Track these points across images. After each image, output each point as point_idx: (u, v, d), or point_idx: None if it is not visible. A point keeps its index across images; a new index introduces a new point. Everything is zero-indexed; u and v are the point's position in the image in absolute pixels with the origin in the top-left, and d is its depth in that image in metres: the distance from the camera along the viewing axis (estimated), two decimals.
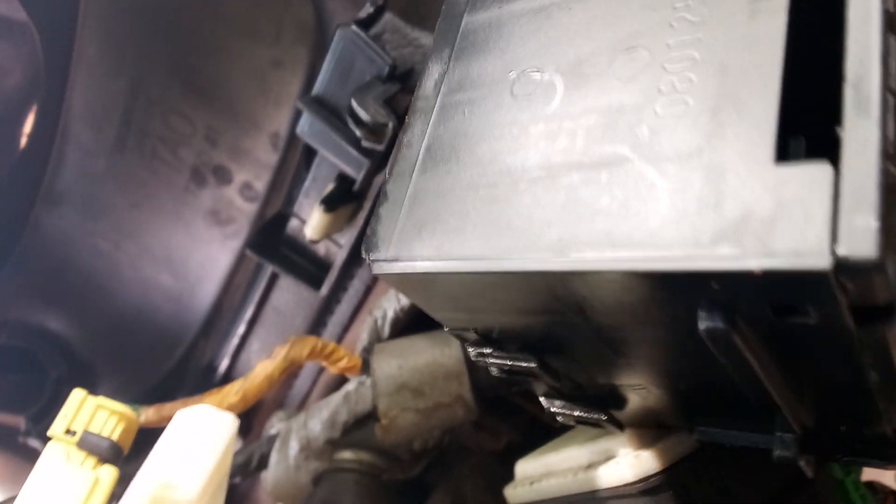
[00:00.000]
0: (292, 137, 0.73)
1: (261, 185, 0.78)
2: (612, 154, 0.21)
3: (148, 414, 0.42)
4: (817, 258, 0.16)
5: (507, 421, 0.63)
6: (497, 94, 0.25)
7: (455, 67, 0.27)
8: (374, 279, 0.59)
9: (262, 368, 0.43)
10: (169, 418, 0.43)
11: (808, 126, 0.19)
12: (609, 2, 0.24)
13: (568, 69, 0.23)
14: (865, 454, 0.26)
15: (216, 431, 0.30)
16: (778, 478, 0.35)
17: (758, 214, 0.17)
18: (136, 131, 0.79)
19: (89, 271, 0.87)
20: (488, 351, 0.27)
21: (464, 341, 0.28)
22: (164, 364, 0.86)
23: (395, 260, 0.24)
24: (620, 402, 0.30)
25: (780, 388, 0.23)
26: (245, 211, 0.80)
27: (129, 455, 0.40)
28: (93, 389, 0.42)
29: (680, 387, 0.26)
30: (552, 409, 0.32)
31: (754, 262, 0.17)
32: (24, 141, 0.80)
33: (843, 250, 0.16)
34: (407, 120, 0.27)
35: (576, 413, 0.31)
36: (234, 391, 0.42)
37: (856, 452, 0.26)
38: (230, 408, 0.41)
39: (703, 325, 0.19)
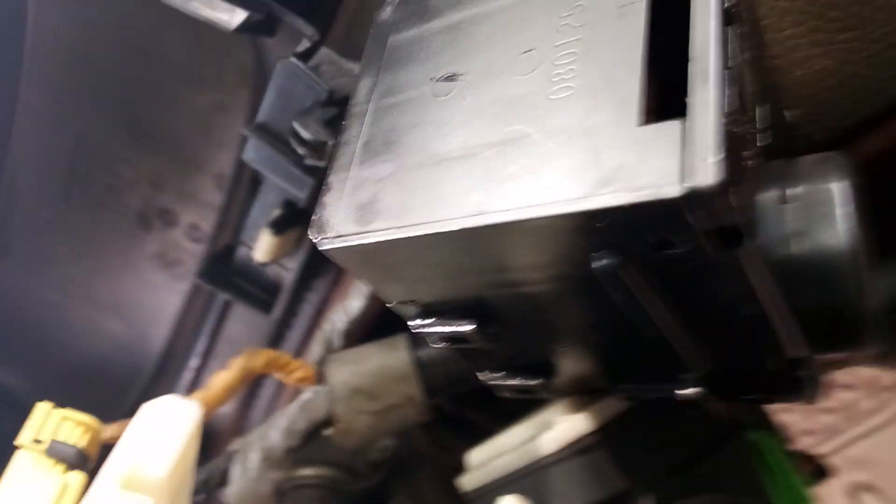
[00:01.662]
0: (237, 177, 0.76)
1: (207, 225, 0.80)
2: (516, 131, 0.25)
3: (110, 430, 0.44)
4: (670, 189, 0.20)
5: (461, 436, 0.66)
6: (422, 95, 0.29)
7: (384, 78, 0.31)
8: (324, 302, 0.63)
9: (219, 379, 0.45)
10: None
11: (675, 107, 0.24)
12: (509, 16, 0.29)
13: (479, 71, 0.28)
14: (758, 390, 0.31)
15: (182, 416, 0.33)
16: (699, 436, 0.39)
17: (627, 164, 0.22)
18: (81, 180, 0.81)
19: (36, 323, 0.87)
20: (429, 321, 0.31)
21: (407, 317, 0.32)
22: (115, 411, 0.86)
23: (339, 236, 0.27)
24: (552, 368, 0.34)
25: (671, 326, 0.27)
26: (192, 252, 0.82)
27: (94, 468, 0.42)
28: None
29: (595, 340, 0.30)
30: (491, 382, 0.36)
31: (624, 198, 0.21)
32: None
33: (689, 181, 0.20)
34: (344, 124, 0.31)
35: (514, 382, 0.35)
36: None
37: (749, 390, 0.31)
38: None
39: (594, 264, 0.23)
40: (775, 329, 0.27)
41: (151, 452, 0.32)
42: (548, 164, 0.24)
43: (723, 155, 0.21)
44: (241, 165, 0.76)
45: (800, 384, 0.31)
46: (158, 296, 0.85)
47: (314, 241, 0.28)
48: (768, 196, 0.29)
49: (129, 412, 0.82)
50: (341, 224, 0.28)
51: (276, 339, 0.67)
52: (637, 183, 0.21)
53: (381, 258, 0.28)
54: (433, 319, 0.31)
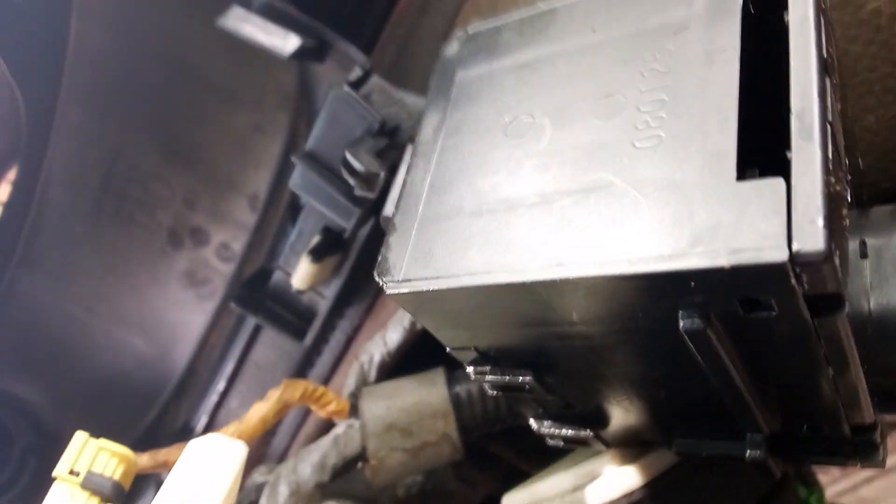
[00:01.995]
0: (271, 199, 0.76)
1: (238, 245, 0.80)
2: (599, 179, 0.24)
3: (142, 460, 0.43)
4: (776, 252, 0.19)
5: (485, 472, 0.65)
6: (492, 136, 0.28)
7: (452, 115, 0.30)
8: (356, 330, 0.62)
9: (256, 410, 0.44)
10: (163, 463, 0.44)
11: (759, 158, 0.23)
12: (589, 57, 0.28)
13: (555, 113, 0.27)
14: (826, 453, 0.29)
15: (228, 457, 0.32)
16: (748, 492, 0.38)
17: (725, 222, 0.21)
18: (114, 195, 0.81)
19: (60, 336, 0.87)
20: (487, 369, 0.30)
21: (463, 361, 0.30)
22: (134, 429, 0.85)
23: (407, 281, 0.26)
24: (605, 419, 0.33)
25: (749, 386, 0.26)
26: (221, 271, 0.81)
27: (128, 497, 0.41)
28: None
29: (659, 395, 0.29)
30: (542, 431, 0.34)
31: (724, 260, 0.20)
32: None
33: (796, 245, 0.19)
34: (410, 162, 0.30)
35: (564, 432, 0.34)
36: (229, 433, 0.43)
37: (817, 452, 0.29)
38: None
39: (682, 324, 0.22)
40: (858, 393, 0.26)
41: (198, 494, 0.30)
42: (633, 217, 0.23)
43: (828, 217, 0.19)
44: (276, 187, 0.75)
45: (871, 448, 0.29)
46: (184, 314, 0.84)
47: (380, 283, 0.27)
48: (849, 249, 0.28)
49: (148, 429, 0.81)
50: (407, 268, 0.27)
51: (305, 366, 0.66)
52: (737, 244, 0.20)
53: (445, 304, 0.27)
54: (490, 367, 0.30)
